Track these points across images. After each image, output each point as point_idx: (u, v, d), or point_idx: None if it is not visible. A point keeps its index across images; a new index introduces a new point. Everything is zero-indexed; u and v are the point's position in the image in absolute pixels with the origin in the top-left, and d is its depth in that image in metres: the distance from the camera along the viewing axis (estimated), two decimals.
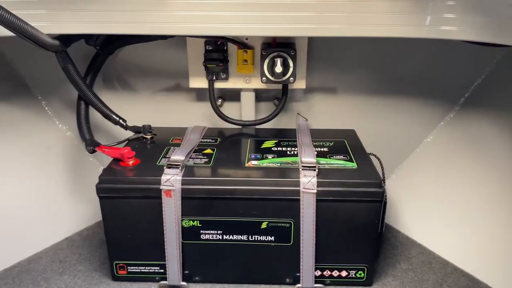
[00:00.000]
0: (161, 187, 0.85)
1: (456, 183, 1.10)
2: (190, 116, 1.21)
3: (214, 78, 1.07)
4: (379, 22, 0.85)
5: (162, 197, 0.85)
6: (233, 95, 1.15)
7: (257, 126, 1.13)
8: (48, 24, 0.84)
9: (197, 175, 0.88)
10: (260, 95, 1.17)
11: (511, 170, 0.98)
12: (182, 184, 0.85)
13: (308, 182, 0.84)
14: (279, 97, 1.15)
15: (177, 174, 0.86)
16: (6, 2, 0.76)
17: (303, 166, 0.87)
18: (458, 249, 1.03)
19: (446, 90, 1.13)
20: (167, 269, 0.91)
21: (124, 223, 0.89)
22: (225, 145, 1.02)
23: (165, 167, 0.87)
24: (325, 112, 1.20)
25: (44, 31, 0.83)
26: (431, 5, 0.81)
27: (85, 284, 0.94)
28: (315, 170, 0.86)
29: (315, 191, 0.84)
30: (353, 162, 0.92)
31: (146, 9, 0.85)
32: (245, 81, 1.10)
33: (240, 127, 1.13)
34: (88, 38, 1.00)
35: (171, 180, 0.85)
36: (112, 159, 0.93)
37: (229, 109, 1.16)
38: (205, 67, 1.06)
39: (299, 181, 0.84)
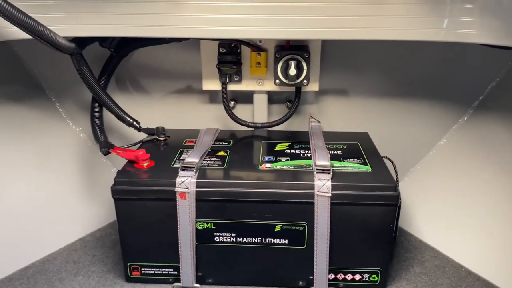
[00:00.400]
0: (176, 189, 0.85)
1: (469, 186, 1.09)
2: (202, 118, 1.21)
3: (227, 81, 1.08)
4: (394, 25, 0.84)
5: (177, 199, 0.86)
6: (246, 97, 1.16)
7: (269, 129, 1.13)
8: (66, 27, 0.85)
9: (211, 178, 0.88)
10: (272, 97, 1.17)
11: None
12: (197, 186, 0.85)
13: (322, 185, 0.84)
14: (291, 99, 1.15)
15: (191, 177, 0.86)
16: (25, 5, 0.77)
17: (317, 169, 0.87)
18: (472, 253, 1.02)
19: (460, 92, 1.12)
20: (180, 271, 0.91)
21: (138, 225, 0.89)
22: (238, 148, 1.02)
23: (179, 170, 0.87)
24: (337, 114, 1.20)
25: (62, 34, 0.84)
26: (448, 8, 0.81)
27: (99, 286, 0.94)
28: (329, 173, 0.86)
29: (330, 194, 0.83)
30: (367, 165, 0.92)
31: (162, 12, 0.86)
32: (258, 83, 1.10)
33: (253, 129, 1.14)
34: (103, 40, 1.01)
35: (186, 182, 0.85)
36: (126, 161, 0.94)
37: (241, 111, 1.17)
38: (219, 69, 1.07)
39: (313, 184, 0.84)
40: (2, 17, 0.73)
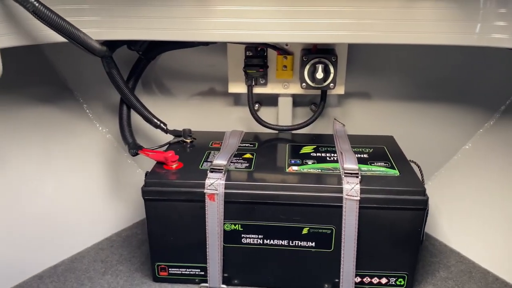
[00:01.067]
0: (205, 190, 0.86)
1: (495, 191, 1.08)
2: (225, 120, 1.22)
3: (253, 84, 1.09)
4: (424, 30, 0.84)
5: (206, 200, 0.87)
6: (271, 100, 1.16)
7: (293, 131, 1.14)
8: (99, 30, 0.86)
9: (239, 180, 0.89)
10: (295, 100, 1.17)
11: None
12: (225, 188, 0.86)
13: (351, 189, 0.84)
14: (316, 102, 1.16)
15: (220, 178, 0.87)
16: (61, 9, 0.79)
17: (345, 173, 0.87)
18: (498, 258, 1.01)
19: (486, 97, 1.11)
20: (208, 271, 0.92)
21: (167, 225, 0.90)
22: (264, 150, 1.03)
23: (208, 171, 0.89)
24: (361, 117, 1.20)
25: (95, 37, 0.85)
26: (481, 13, 0.80)
27: (127, 285, 0.96)
28: (357, 177, 0.86)
29: (358, 198, 0.84)
30: (395, 169, 0.91)
31: (192, 16, 0.87)
32: (283, 86, 1.11)
33: (276, 131, 1.14)
34: (132, 43, 1.02)
35: (215, 184, 0.86)
36: (155, 162, 0.95)
37: (265, 114, 1.17)
38: (245, 72, 1.08)
39: (342, 187, 0.85)
40: (41, 21, 0.75)
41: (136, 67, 1.07)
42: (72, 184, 1.13)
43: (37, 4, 0.73)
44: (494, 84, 1.10)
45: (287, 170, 0.92)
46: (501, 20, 0.80)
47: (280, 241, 0.89)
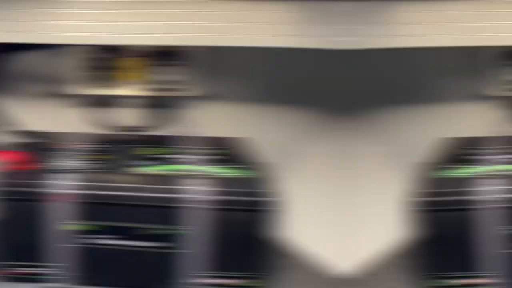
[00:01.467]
0: (53, 191, 0.86)
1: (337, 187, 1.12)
2: (74, 121, 1.16)
3: (101, 86, 1.08)
4: (262, 32, 0.88)
5: (53, 201, 0.86)
6: (121, 102, 1.13)
7: (145, 133, 1.11)
8: None
9: (90, 181, 0.89)
10: (147, 103, 1.13)
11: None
12: (76, 189, 0.86)
13: (199, 190, 0.86)
14: (167, 104, 1.13)
15: (71, 179, 0.87)
16: None
17: (193, 174, 0.89)
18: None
19: (325, 98, 1.13)
20: (53, 271, 0.90)
21: (14, 225, 0.88)
22: (115, 152, 1.01)
23: (56, 172, 0.88)
24: (214, 120, 1.16)
25: None
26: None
27: None
28: (206, 178, 0.88)
29: (208, 199, 0.86)
30: (247, 170, 0.94)
31: (36, 19, 0.85)
32: (133, 88, 1.10)
33: (127, 133, 1.11)
34: None
35: (62, 185, 0.86)
36: (5, 162, 0.92)
37: (117, 115, 1.13)
38: (93, 74, 1.07)
39: (190, 189, 0.87)
40: None
41: None
42: None
43: None
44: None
45: (136, 172, 0.93)
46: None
47: (128, 241, 0.89)
